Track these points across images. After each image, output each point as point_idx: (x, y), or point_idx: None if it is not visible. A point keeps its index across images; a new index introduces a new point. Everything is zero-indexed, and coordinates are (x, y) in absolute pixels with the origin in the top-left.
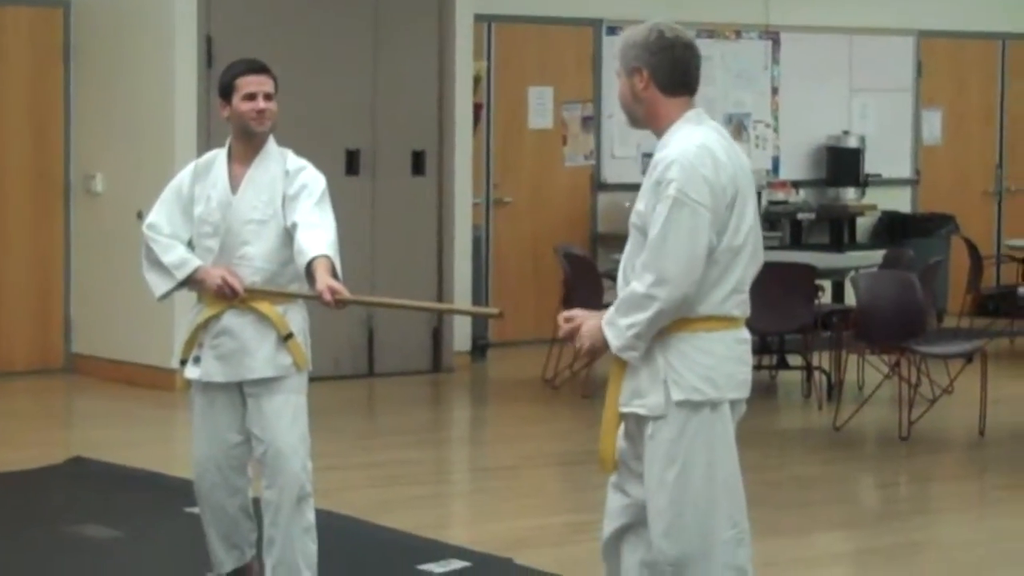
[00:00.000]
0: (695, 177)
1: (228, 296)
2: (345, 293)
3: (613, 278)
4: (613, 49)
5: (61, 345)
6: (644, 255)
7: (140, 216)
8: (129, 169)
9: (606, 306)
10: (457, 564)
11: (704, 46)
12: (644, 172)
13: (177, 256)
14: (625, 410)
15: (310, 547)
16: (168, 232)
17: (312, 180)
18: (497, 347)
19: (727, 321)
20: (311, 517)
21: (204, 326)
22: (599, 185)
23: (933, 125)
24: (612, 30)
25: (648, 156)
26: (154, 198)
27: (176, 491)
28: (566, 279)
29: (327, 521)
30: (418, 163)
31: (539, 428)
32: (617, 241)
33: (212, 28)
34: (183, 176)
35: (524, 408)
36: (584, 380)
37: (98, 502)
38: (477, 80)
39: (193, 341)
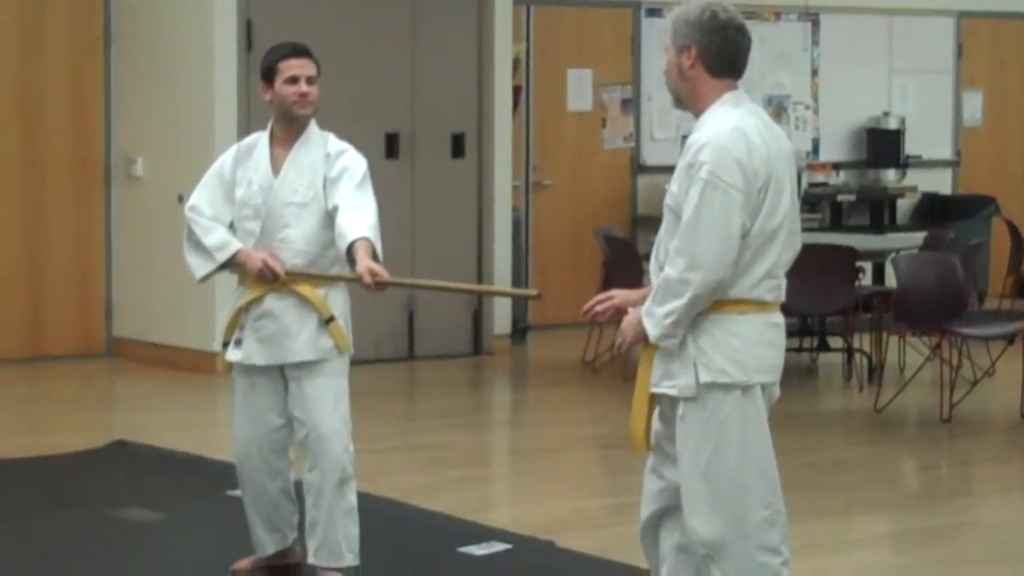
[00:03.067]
0: (727, 159)
1: (269, 279)
2: (385, 275)
3: None
4: (652, 32)
5: (103, 329)
6: (676, 240)
7: (181, 200)
8: (170, 153)
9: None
10: (498, 546)
11: None
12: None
13: (218, 238)
14: (656, 391)
15: (352, 530)
16: (210, 214)
17: (353, 163)
18: (537, 330)
19: (758, 305)
20: (353, 500)
21: (246, 309)
22: (638, 167)
23: (974, 106)
24: (651, 12)
25: (688, 138)
26: (195, 182)
27: (217, 474)
28: (606, 262)
29: (368, 504)
30: (458, 146)
31: (579, 411)
32: (657, 223)
33: (252, 12)
34: (225, 159)
35: (564, 391)
36: (624, 363)
37: (140, 485)
38: (516, 63)
39: (235, 324)
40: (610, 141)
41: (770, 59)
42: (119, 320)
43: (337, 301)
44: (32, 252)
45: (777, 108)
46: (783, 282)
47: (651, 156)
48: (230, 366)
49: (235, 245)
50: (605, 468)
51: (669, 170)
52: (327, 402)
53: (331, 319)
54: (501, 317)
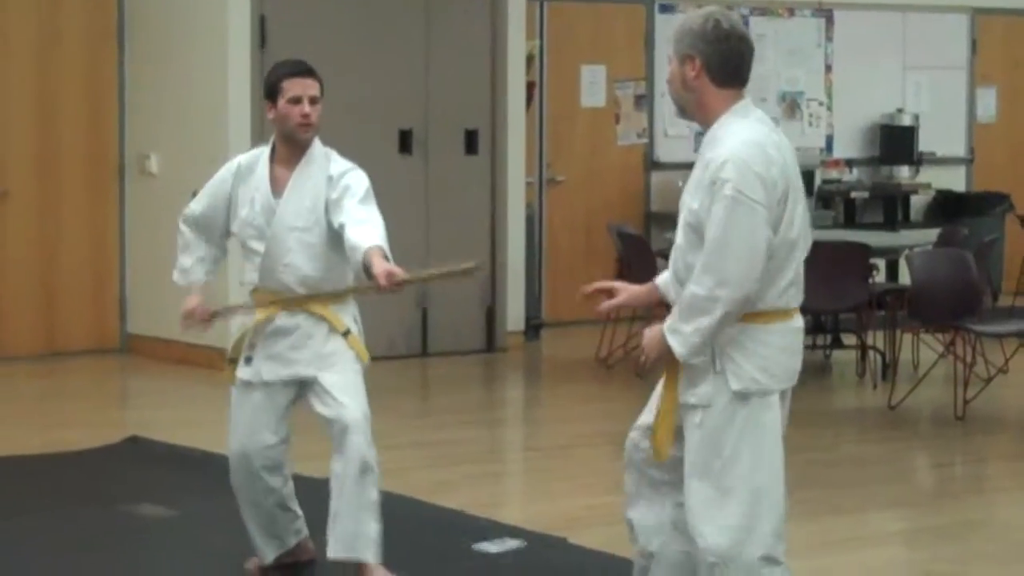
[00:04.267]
0: (749, 175)
1: (194, 326)
2: (401, 275)
3: (666, 256)
4: (666, 27)
5: (117, 325)
6: (703, 257)
7: (195, 195)
8: (183, 149)
9: None
10: (512, 543)
11: (757, 24)
12: (696, 150)
13: (187, 262)
14: (682, 400)
15: (372, 525)
16: (199, 217)
17: (355, 181)
18: (550, 327)
19: (783, 313)
20: (374, 495)
21: (257, 328)
22: (652, 164)
23: (987, 103)
24: (665, 8)
25: (701, 134)
26: (209, 178)
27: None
28: (620, 258)
29: (382, 501)
30: (471, 142)
31: (592, 407)
32: (670, 220)
33: (265, 8)
34: (226, 173)
35: (577, 387)
36: (638, 359)
37: (154, 481)
38: (530, 59)
39: (243, 342)
40: (624, 137)
41: (783, 55)
42: (133, 317)
43: (347, 315)
44: (46, 249)
45: (791, 105)
46: (802, 283)
47: (665, 152)
48: (234, 380)
49: (192, 278)
50: (618, 465)
51: (683, 166)
52: (348, 394)
53: (347, 332)
54: (514, 314)
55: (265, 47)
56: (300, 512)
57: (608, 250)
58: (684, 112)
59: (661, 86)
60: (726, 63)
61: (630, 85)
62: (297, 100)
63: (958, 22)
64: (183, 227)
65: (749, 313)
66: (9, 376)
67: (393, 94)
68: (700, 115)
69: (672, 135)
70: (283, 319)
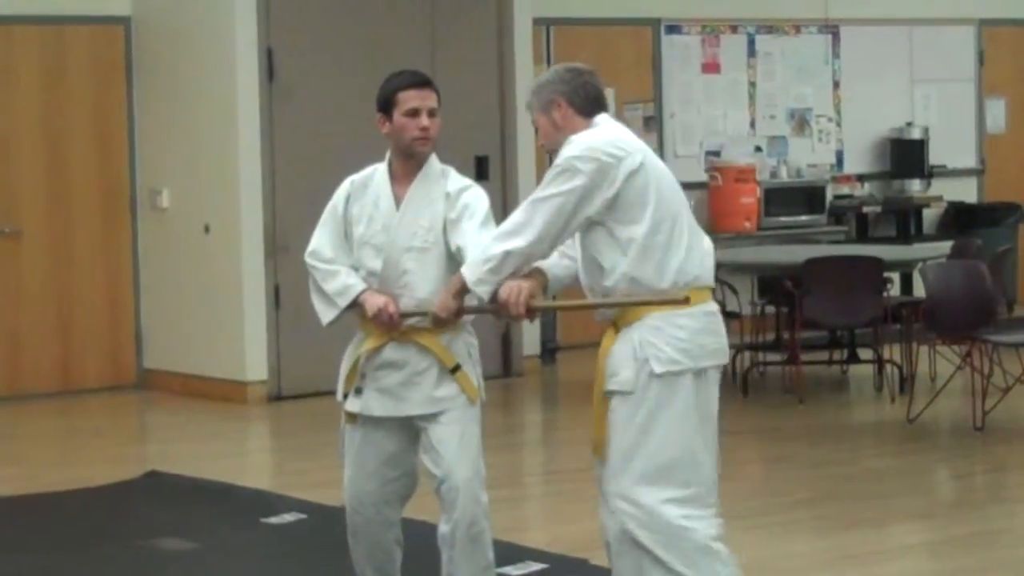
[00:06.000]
0: (585, 153)
1: (385, 324)
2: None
3: None
4: (673, 48)
5: (133, 361)
6: (524, 203)
7: (207, 230)
8: (195, 183)
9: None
10: (534, 566)
11: (764, 42)
12: (707, 171)
13: (339, 283)
14: (606, 389)
15: None
16: (329, 256)
17: (474, 200)
18: (566, 350)
19: (695, 295)
20: (489, 556)
21: (366, 357)
22: None
23: (997, 114)
24: (671, 29)
25: (711, 154)
26: (220, 211)
27: (251, 503)
28: None
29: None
30: (481, 168)
31: None
32: None
33: (272, 40)
34: (338, 197)
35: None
36: None
37: (174, 515)
38: None
39: (354, 372)
40: None
41: (791, 72)
42: (149, 352)
43: (460, 347)
44: (61, 286)
45: (800, 121)
46: (707, 270)
47: (675, 173)
48: (347, 416)
49: (356, 289)
50: None
51: (693, 186)
52: (452, 449)
53: (456, 368)
54: (530, 339)
55: (273, 79)
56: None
57: None
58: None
59: (670, 107)
60: (587, 95)
61: (639, 107)
62: (415, 112)
63: (965, 34)
64: (312, 262)
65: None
66: (26, 414)
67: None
68: None
69: (682, 155)
70: (391, 351)
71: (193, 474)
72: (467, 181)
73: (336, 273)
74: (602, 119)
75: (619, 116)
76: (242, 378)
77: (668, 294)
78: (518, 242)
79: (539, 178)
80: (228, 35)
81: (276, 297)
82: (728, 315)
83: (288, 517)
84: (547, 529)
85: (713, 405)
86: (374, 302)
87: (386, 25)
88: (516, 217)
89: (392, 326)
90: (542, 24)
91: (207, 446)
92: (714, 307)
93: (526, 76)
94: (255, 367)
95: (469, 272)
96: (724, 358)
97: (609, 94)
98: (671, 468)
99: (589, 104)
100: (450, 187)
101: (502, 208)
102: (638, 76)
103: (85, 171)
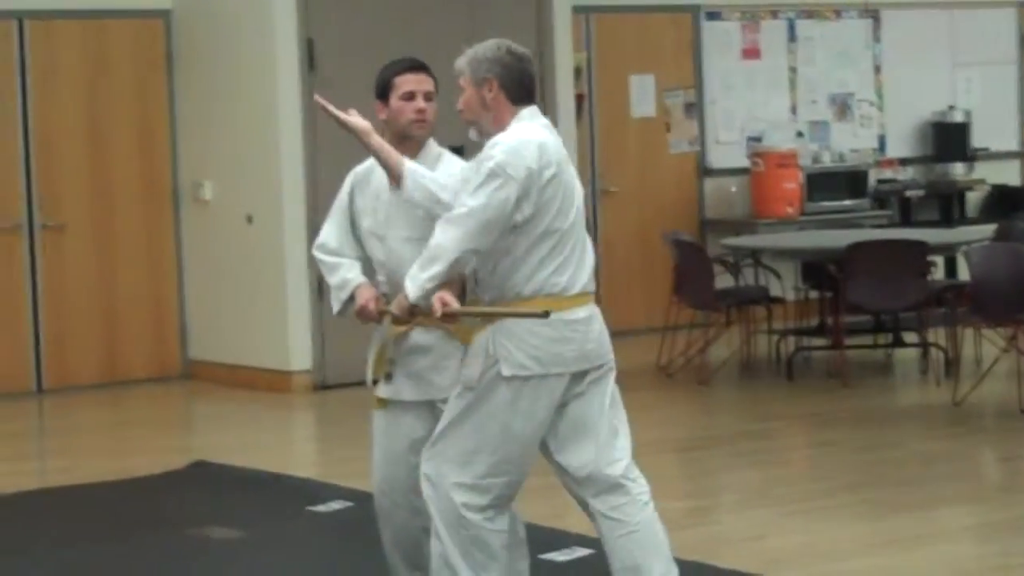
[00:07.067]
0: (513, 157)
1: (371, 320)
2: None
3: (723, 263)
4: (713, 34)
5: (178, 352)
6: (451, 213)
7: (250, 220)
8: (237, 175)
9: (718, 291)
10: (580, 551)
11: (804, 27)
12: (749, 157)
13: (339, 277)
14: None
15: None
16: (334, 247)
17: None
18: (609, 336)
19: (554, 302)
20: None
21: (395, 342)
22: (704, 171)
23: None
24: (711, 15)
25: (753, 140)
26: (263, 202)
27: (297, 491)
28: (676, 266)
29: None
30: None
31: (655, 415)
32: (725, 226)
33: (312, 31)
34: (344, 188)
35: (638, 396)
36: (699, 366)
37: (221, 505)
38: (578, 71)
39: (382, 358)
40: (675, 146)
41: (832, 57)
42: (194, 342)
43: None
44: (105, 279)
45: (841, 106)
46: (584, 276)
47: (717, 159)
48: (379, 401)
49: (353, 283)
50: (683, 471)
51: (735, 172)
52: None
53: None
54: None
55: (314, 70)
56: None
57: (664, 258)
58: (481, 131)
59: (711, 93)
60: (521, 84)
61: (679, 93)
62: (411, 96)
63: (1006, 17)
64: (319, 255)
65: (523, 301)
66: (73, 406)
67: (442, 112)
68: (496, 131)
69: (724, 141)
70: (419, 335)
71: (239, 463)
72: (462, 163)
73: (338, 266)
74: (528, 113)
75: (659, 102)
76: (287, 368)
77: (530, 306)
78: (448, 255)
79: (580, 165)
80: (268, 26)
81: (319, 286)
82: (772, 300)
83: (334, 505)
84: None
85: (548, 412)
86: (360, 299)
87: (425, 15)
88: (449, 231)
89: (379, 319)
90: (582, 12)
91: (252, 436)
92: (582, 314)
93: (566, 65)
94: (299, 356)
95: (411, 284)
96: (582, 365)
97: (649, 81)
98: (476, 458)
99: (521, 92)
100: (443, 171)
101: None
102: (678, 63)
103: (128, 164)
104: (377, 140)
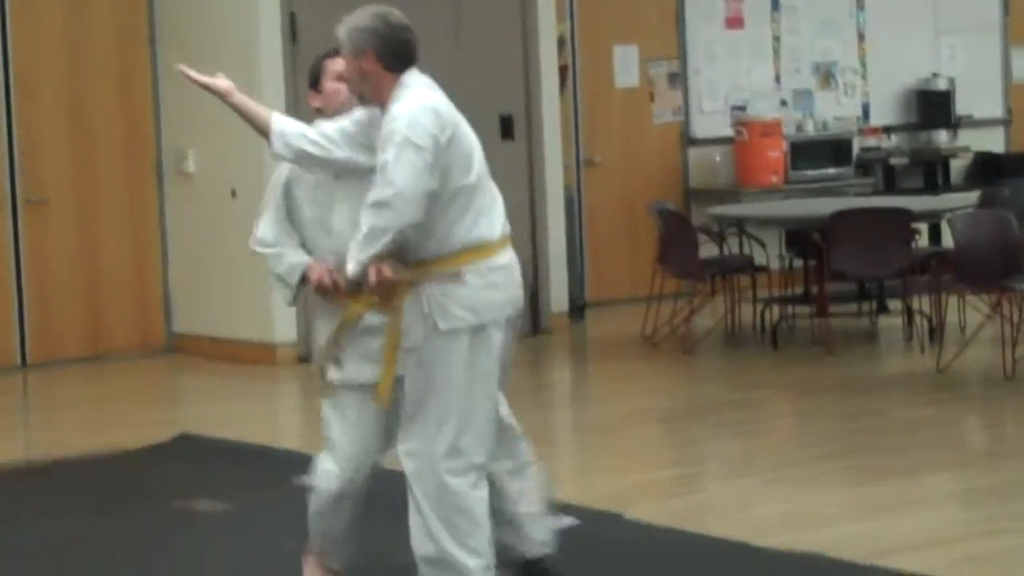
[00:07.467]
0: (417, 127)
1: (329, 291)
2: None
3: (707, 232)
4: (696, 4)
5: (162, 325)
6: (375, 193)
7: (234, 194)
8: (220, 147)
9: (702, 261)
10: (568, 520)
11: None
12: (733, 126)
13: (286, 264)
14: (401, 348)
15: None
16: (272, 240)
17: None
18: (594, 307)
19: (477, 251)
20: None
21: (344, 328)
22: (688, 140)
23: (1022, 63)
24: None
25: (737, 109)
26: (247, 175)
27: (283, 463)
28: (661, 236)
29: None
30: (506, 128)
31: (640, 385)
32: (709, 196)
33: (295, 4)
34: (277, 178)
35: (624, 366)
36: (684, 336)
37: (206, 477)
38: (561, 42)
39: (331, 345)
40: (659, 115)
41: (816, 26)
42: (178, 316)
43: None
44: (89, 253)
45: (825, 75)
46: (499, 221)
47: (701, 128)
48: (333, 387)
49: (302, 265)
50: (669, 440)
51: (720, 142)
52: None
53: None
54: (558, 296)
55: (296, 42)
56: None
57: (648, 228)
58: (363, 99)
59: (695, 63)
60: (397, 52)
61: (663, 64)
62: (343, 76)
63: None
64: (260, 249)
65: (446, 258)
66: (57, 380)
67: None
68: (378, 98)
69: (708, 111)
70: (371, 316)
71: (224, 436)
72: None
73: (281, 255)
74: (411, 79)
75: (643, 73)
76: (271, 340)
77: (446, 267)
78: (387, 236)
79: (564, 136)
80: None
81: None
82: (756, 269)
83: None
84: (580, 484)
85: (495, 360)
86: (313, 275)
87: None
88: (383, 214)
89: (337, 291)
90: None
91: (238, 408)
92: (503, 260)
93: (549, 35)
94: (284, 329)
95: (351, 264)
96: (512, 308)
97: (633, 51)
98: (446, 420)
99: (398, 61)
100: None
101: (528, 167)
102: (662, 33)
103: (110, 138)
104: (240, 98)
